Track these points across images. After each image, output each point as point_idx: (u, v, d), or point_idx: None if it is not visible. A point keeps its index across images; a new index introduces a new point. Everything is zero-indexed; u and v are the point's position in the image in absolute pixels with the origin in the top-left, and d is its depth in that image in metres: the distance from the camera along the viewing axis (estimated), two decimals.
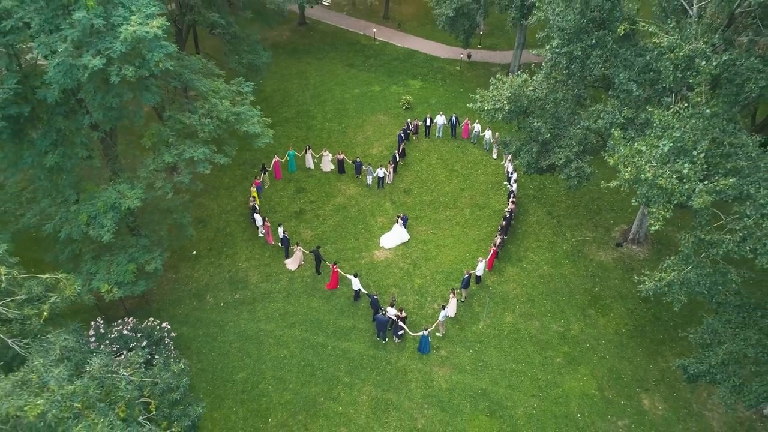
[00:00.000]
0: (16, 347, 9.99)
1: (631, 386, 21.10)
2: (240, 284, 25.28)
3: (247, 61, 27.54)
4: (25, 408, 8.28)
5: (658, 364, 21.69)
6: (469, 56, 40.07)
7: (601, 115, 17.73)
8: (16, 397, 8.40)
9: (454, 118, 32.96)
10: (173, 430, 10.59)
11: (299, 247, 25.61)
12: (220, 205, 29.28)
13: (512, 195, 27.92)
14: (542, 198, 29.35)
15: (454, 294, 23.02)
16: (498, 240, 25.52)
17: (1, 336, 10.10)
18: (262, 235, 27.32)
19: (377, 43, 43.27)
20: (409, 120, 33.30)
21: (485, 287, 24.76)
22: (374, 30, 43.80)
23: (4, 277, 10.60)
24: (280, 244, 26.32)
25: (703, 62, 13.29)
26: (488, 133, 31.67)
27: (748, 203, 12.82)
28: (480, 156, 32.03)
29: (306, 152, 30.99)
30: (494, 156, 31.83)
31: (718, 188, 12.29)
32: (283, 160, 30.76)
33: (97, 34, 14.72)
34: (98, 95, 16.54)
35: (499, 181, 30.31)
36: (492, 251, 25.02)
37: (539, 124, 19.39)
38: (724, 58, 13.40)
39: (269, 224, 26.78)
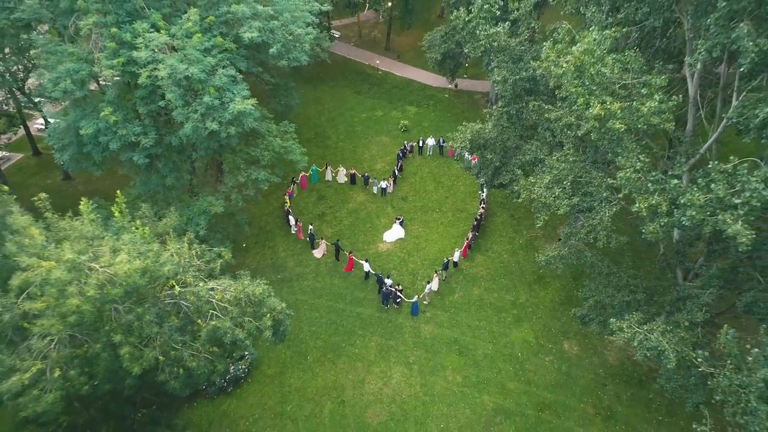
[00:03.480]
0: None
1: (557, 336, 31.93)
2: (280, 268, 36.09)
3: (284, 102, 38.43)
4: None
5: (578, 322, 32.40)
6: (456, 86, 50.91)
7: (528, 153, 28.56)
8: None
9: (441, 140, 43.83)
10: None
11: (324, 241, 36.41)
12: (260, 209, 40.13)
13: (483, 201, 38.74)
14: (507, 204, 40.26)
15: (437, 274, 33.90)
16: (470, 235, 36.38)
17: (203, 277, 21.04)
18: (294, 232, 38.10)
19: (380, 72, 54.17)
20: (405, 142, 44.14)
21: (460, 270, 35.56)
22: (377, 62, 54.65)
23: (198, 248, 21.63)
24: (308, 239, 37.07)
25: (567, 131, 24.17)
26: (467, 153, 42.45)
27: (593, 213, 23.57)
28: (461, 171, 42.87)
29: (326, 168, 41.83)
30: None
31: (573, 203, 23.09)
32: (307, 174, 41.56)
33: (213, 108, 25.48)
34: (205, 141, 27.35)
35: (475, 191, 41.19)
36: (465, 244, 35.85)
37: (491, 156, 30.25)
38: (587, 126, 24.10)
39: (301, 224, 37.59)
